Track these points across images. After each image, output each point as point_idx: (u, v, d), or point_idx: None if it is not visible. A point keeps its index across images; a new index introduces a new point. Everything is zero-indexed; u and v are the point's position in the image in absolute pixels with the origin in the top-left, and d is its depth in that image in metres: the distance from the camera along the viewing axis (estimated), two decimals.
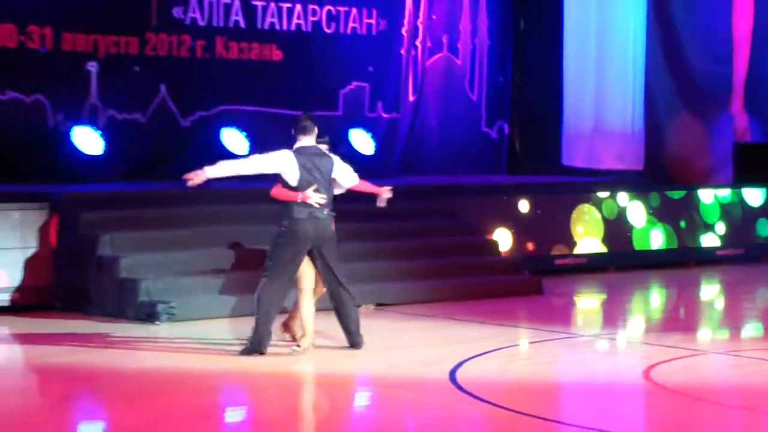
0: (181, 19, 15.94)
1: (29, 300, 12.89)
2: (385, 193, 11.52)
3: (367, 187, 11.60)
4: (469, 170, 18.26)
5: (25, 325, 12.29)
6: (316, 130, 10.88)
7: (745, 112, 19.73)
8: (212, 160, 15.90)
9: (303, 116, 11.11)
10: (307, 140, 10.73)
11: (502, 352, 11.32)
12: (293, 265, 10.54)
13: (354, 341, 10.78)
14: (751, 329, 13.79)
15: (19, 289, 12.87)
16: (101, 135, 15.31)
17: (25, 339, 11.87)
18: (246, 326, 10.94)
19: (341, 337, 10.84)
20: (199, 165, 15.81)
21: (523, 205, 16.29)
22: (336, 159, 11.02)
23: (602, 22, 18.27)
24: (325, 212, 10.73)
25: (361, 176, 16.79)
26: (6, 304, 12.76)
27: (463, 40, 18.40)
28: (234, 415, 9.19)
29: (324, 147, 10.96)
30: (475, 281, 14.51)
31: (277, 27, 16.70)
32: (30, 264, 12.96)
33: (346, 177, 11.12)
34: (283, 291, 10.65)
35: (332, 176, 10.87)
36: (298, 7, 16.83)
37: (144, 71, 15.70)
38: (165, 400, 9.13)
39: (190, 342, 11.38)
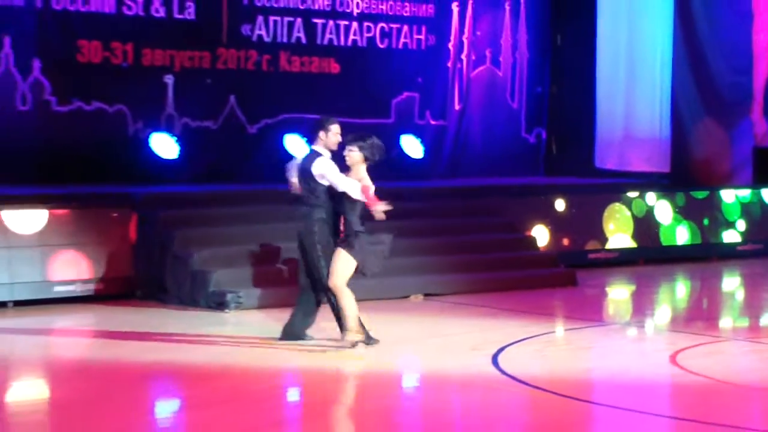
0: (249, 36, 16.00)
1: (112, 290, 12.99)
2: (378, 209, 10.32)
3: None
4: (510, 172, 18.23)
5: (109, 314, 12.40)
6: (320, 133, 10.37)
7: (764, 118, 19.65)
8: (276, 165, 16.19)
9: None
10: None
11: (539, 338, 11.35)
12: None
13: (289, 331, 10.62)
14: None
15: (102, 280, 12.96)
16: (176, 141, 15.42)
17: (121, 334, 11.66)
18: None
19: (383, 329, 10.74)
20: (265, 168, 16.13)
21: (559, 204, 16.32)
22: (318, 159, 10.26)
23: (632, 37, 18.22)
24: (304, 208, 10.34)
25: (411, 178, 17.03)
26: (91, 293, 12.87)
27: (505, 53, 18.38)
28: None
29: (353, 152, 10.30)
30: (515, 274, 14.53)
31: (335, 42, 16.73)
32: (112, 258, 13.05)
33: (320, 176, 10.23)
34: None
35: (312, 173, 10.23)
36: (354, 24, 16.84)
37: (215, 83, 15.81)
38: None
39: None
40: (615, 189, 17.17)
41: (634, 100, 18.31)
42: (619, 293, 15.20)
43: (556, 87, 18.82)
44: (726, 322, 13.51)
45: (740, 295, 15.84)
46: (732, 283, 16.30)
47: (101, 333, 11.79)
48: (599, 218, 16.68)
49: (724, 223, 17.92)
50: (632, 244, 16.95)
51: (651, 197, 17.15)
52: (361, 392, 9.48)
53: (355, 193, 10.08)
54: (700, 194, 17.76)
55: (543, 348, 11.10)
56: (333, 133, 10.37)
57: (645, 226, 17.04)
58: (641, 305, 14.51)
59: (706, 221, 17.70)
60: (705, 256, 17.42)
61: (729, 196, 18.02)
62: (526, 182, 17.76)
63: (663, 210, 17.22)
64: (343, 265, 10.11)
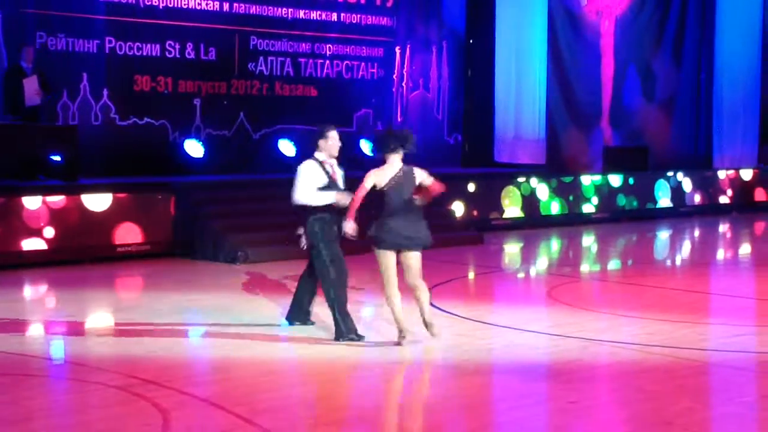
0: (253, 70, 15.94)
1: (158, 249, 12.98)
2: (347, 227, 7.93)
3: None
4: (437, 165, 18.17)
5: (156, 267, 12.38)
6: (320, 142, 8.35)
7: (610, 126, 19.85)
8: (273, 160, 16.28)
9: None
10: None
11: (458, 280, 11.47)
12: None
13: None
14: (613, 263, 13.95)
15: (150, 243, 12.97)
16: (202, 145, 15.31)
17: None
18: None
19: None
20: (265, 163, 16.23)
21: (471, 186, 16.37)
22: (303, 163, 8.33)
23: (519, 69, 18.25)
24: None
25: (368, 170, 17.02)
26: (143, 252, 12.85)
27: (433, 82, 18.41)
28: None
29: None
30: (441, 236, 14.44)
31: (314, 75, 16.68)
32: (157, 227, 13.05)
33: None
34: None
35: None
36: (327, 62, 16.86)
37: (229, 104, 15.71)
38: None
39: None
40: (509, 176, 17.22)
41: (521, 113, 18.38)
42: (512, 249, 15.31)
43: (468, 104, 18.85)
44: (585, 267, 13.64)
45: (594, 248, 15.94)
46: (588, 240, 16.44)
47: (151, 278, 11.75)
48: (498, 196, 16.76)
49: (583, 199, 18.07)
50: (521, 214, 16.98)
51: (534, 181, 17.25)
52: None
53: (304, 200, 8.07)
54: (567, 179, 17.90)
55: (461, 287, 11.16)
56: (331, 140, 8.35)
57: (529, 201, 17.14)
58: (528, 257, 14.62)
59: (571, 198, 17.83)
60: (571, 222, 17.56)
61: (587, 180, 18.17)
62: (448, 171, 17.74)
63: (542, 190, 17.32)
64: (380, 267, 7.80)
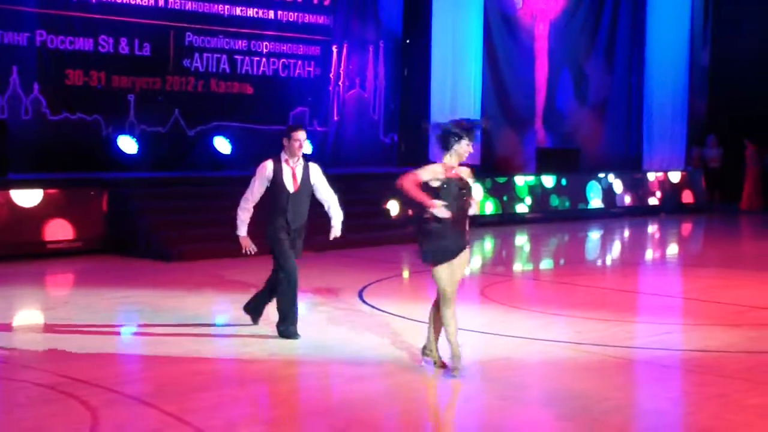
0: (189, 67, 15.80)
1: (90, 246, 12.80)
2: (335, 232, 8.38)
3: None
4: (373, 164, 18.36)
5: (88, 263, 12.19)
6: (283, 140, 7.95)
7: (543, 128, 20.07)
8: (208, 158, 16.17)
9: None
10: None
11: (392, 278, 11.47)
12: None
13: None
14: (545, 263, 14.08)
15: (83, 239, 12.79)
16: (136, 141, 15.10)
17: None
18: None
19: None
20: (199, 161, 16.10)
21: None
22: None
23: (455, 71, 18.36)
24: None
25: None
26: (78, 246, 12.71)
27: (369, 81, 18.42)
28: None
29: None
30: (376, 234, 14.63)
31: (251, 72, 16.60)
32: (89, 223, 12.86)
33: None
34: None
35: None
36: (264, 59, 16.78)
37: (164, 100, 15.52)
38: None
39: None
40: None
41: (456, 113, 18.28)
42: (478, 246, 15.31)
43: (404, 104, 18.89)
44: (518, 266, 13.74)
45: (527, 248, 16.07)
46: (521, 240, 16.58)
47: (82, 275, 11.53)
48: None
49: (517, 199, 18.22)
50: (494, 211, 17.09)
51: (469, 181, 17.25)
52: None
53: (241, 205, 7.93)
54: (501, 179, 18.04)
55: (396, 284, 11.16)
56: (293, 140, 7.86)
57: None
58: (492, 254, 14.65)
59: (505, 198, 17.98)
60: (504, 222, 17.70)
61: (520, 180, 18.33)
62: (384, 171, 17.82)
63: (477, 190, 17.32)
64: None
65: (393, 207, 15.95)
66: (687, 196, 21.49)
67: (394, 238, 14.65)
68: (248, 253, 8.01)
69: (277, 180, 7.86)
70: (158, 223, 12.91)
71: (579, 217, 18.94)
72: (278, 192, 7.87)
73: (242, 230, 8.02)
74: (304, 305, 9.95)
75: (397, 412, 6.11)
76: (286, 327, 7.86)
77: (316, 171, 8.11)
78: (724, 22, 22.83)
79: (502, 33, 19.09)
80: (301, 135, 7.94)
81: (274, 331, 7.98)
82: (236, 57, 16.39)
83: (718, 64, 22.78)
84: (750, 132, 21.83)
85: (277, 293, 7.91)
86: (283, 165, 7.90)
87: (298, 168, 7.96)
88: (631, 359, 7.48)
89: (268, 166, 7.91)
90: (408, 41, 18.87)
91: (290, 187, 7.92)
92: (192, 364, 7.04)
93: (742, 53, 22.63)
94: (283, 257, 7.86)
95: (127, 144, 15.02)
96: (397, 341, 7.90)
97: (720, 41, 22.81)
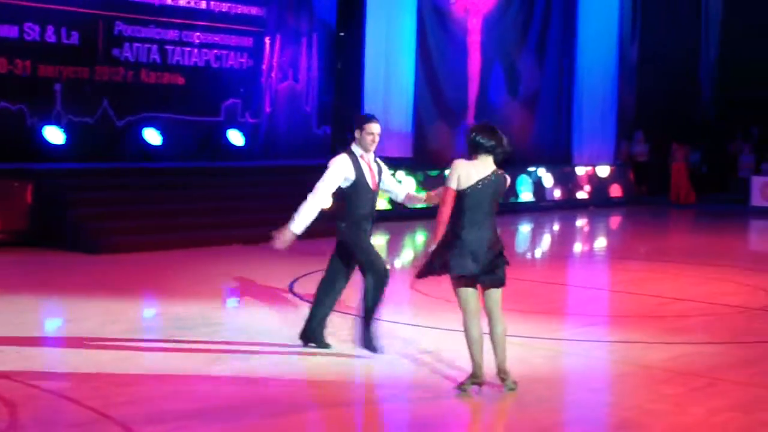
0: (118, 56, 15.50)
1: (14, 239, 12.49)
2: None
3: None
4: (306, 156, 18.25)
5: (15, 257, 11.87)
6: (355, 132, 7.21)
7: (475, 121, 20.13)
8: (137, 149, 15.91)
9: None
10: None
11: (319, 272, 11.40)
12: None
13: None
14: None
15: (7, 231, 12.50)
16: (63, 131, 14.78)
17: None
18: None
19: (214, 269, 10.52)
20: (128, 151, 15.86)
21: None
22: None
23: (388, 63, 18.36)
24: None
25: (235, 160, 16.94)
26: (2, 239, 12.40)
27: (302, 73, 18.31)
28: None
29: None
30: (308, 227, 14.53)
31: (182, 63, 16.36)
32: (13, 215, 12.59)
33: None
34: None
35: None
36: (196, 50, 16.57)
37: (92, 90, 15.19)
38: None
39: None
40: None
41: (389, 106, 18.49)
42: (378, 241, 15.29)
43: (337, 97, 18.83)
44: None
45: None
46: None
47: (4, 268, 11.28)
48: None
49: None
50: (388, 207, 16.74)
51: (401, 174, 17.30)
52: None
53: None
54: (434, 172, 18.06)
55: (308, 277, 11.08)
56: (366, 133, 7.08)
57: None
58: (393, 249, 14.70)
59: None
60: (435, 215, 17.67)
61: None
62: (317, 163, 17.65)
63: (408, 183, 17.36)
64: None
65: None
66: (615, 190, 21.83)
67: (325, 231, 14.57)
68: (275, 246, 7.15)
69: (358, 178, 7.06)
70: (86, 215, 12.68)
71: (509, 210, 19.05)
72: (360, 191, 7.08)
73: (298, 228, 7.23)
74: (234, 298, 9.92)
75: (324, 405, 6.08)
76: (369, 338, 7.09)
77: (383, 165, 7.37)
78: (651, 18, 23.21)
79: (435, 26, 19.15)
80: (375, 128, 7.08)
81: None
82: (167, 47, 16.15)
83: (646, 60, 23.15)
84: (675, 128, 22.26)
85: (369, 295, 7.09)
86: (360, 161, 7.09)
87: (374, 164, 7.19)
88: (557, 351, 7.56)
89: (346, 162, 7.04)
90: (342, 33, 18.81)
91: (371, 184, 7.12)
92: (114, 360, 6.92)
93: (669, 50, 23.04)
94: (377, 257, 7.13)
95: (54, 134, 14.71)
96: (328, 334, 7.86)
97: (648, 38, 23.18)
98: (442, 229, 6.30)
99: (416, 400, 6.15)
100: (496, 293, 6.24)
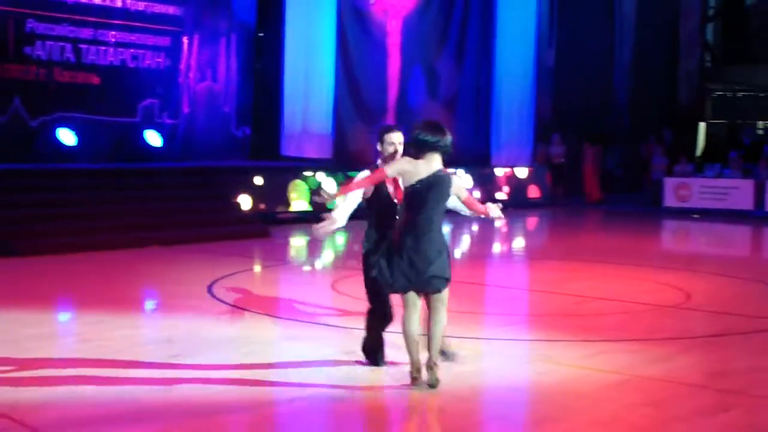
0: (30, 54, 15.20)
1: None
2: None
3: None
4: (225, 157, 18.13)
5: None
6: (377, 145, 6.71)
7: (395, 122, 20.20)
8: (51, 149, 15.55)
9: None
10: None
11: (243, 273, 11.33)
12: None
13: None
14: None
15: None
16: None
17: None
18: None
19: (131, 269, 10.39)
20: (42, 152, 15.47)
21: (258, 180, 16.28)
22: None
23: (308, 65, 18.37)
24: None
25: (153, 161, 16.70)
26: None
27: (220, 73, 18.15)
28: None
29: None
30: (226, 229, 14.45)
31: (97, 62, 16.12)
32: None
33: None
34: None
35: None
36: (111, 49, 16.31)
37: (3, 88, 14.85)
38: None
39: None
40: (296, 169, 17.25)
41: (309, 108, 18.48)
42: (298, 242, 15.33)
43: (256, 97, 18.73)
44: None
45: None
46: None
47: None
48: (285, 189, 16.74)
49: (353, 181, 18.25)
50: (308, 208, 16.98)
51: (321, 175, 17.31)
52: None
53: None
54: (354, 173, 17.88)
55: (246, 279, 11.02)
56: (387, 144, 6.57)
57: (317, 195, 17.12)
58: (313, 250, 14.65)
59: None
60: (356, 216, 17.70)
61: None
62: (236, 164, 17.68)
63: (329, 184, 17.39)
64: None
65: (244, 201, 15.79)
66: (533, 191, 22.13)
67: (245, 232, 14.50)
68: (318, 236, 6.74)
69: (380, 191, 6.58)
70: (1, 216, 12.32)
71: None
72: (385, 204, 6.62)
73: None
74: (152, 301, 9.76)
75: (240, 408, 6.02)
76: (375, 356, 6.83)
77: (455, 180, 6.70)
78: (568, 23, 23.61)
79: (354, 28, 19.16)
80: (395, 137, 6.54)
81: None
82: (81, 46, 15.86)
83: (563, 64, 23.54)
84: (591, 130, 22.68)
85: (373, 325, 6.75)
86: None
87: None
88: (477, 350, 7.61)
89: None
90: (261, 34, 18.70)
91: (393, 197, 6.59)
92: (22, 363, 6.74)
93: (585, 53, 23.47)
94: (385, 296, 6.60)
95: None
96: (250, 336, 7.81)
97: (564, 42, 23.57)
98: (345, 190, 6.34)
99: (337, 399, 6.13)
100: (437, 294, 6.17)
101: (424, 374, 6.16)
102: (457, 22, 21.36)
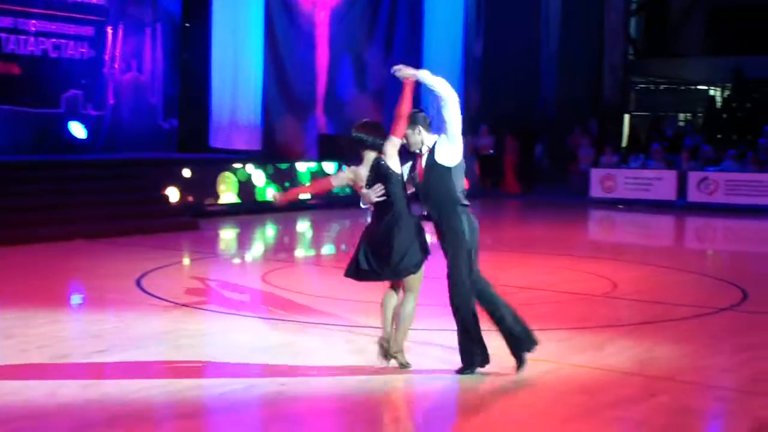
0: None
1: None
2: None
3: None
4: (152, 149, 17.87)
5: None
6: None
7: (324, 115, 20.21)
8: None
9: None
10: None
11: (172, 266, 11.19)
12: None
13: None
14: (327, 248, 14.16)
15: None
16: None
17: None
18: None
19: (62, 265, 10.18)
20: None
21: (186, 172, 16.07)
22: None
23: (236, 56, 18.23)
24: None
25: (78, 152, 16.37)
26: None
27: (146, 64, 17.88)
28: None
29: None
30: (155, 222, 14.24)
31: (17, 52, 15.75)
32: None
33: None
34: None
35: None
36: (32, 38, 15.95)
37: None
38: None
39: None
40: (225, 161, 17.09)
41: (237, 99, 18.34)
42: (228, 234, 15.17)
43: (184, 89, 18.51)
44: (300, 252, 13.75)
45: (309, 234, 16.12)
46: (303, 226, 16.62)
47: None
48: (214, 181, 16.57)
49: (299, 185, 18.18)
50: (237, 200, 16.86)
51: (250, 167, 17.18)
52: None
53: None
54: (283, 165, 17.99)
55: (175, 272, 10.87)
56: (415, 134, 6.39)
57: (246, 187, 17.07)
58: (244, 242, 14.55)
59: (287, 184, 17.90)
60: (286, 208, 17.63)
61: (302, 167, 18.34)
62: (163, 156, 17.44)
63: (258, 176, 17.30)
64: None
65: (172, 193, 15.58)
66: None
67: (173, 225, 14.31)
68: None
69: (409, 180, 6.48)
70: None
71: (360, 203, 19.17)
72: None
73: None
74: (78, 295, 9.56)
75: (172, 401, 5.93)
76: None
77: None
78: (495, 15, 23.77)
79: (282, 19, 19.04)
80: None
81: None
82: (1, 35, 15.44)
83: (491, 55, 23.70)
84: (516, 121, 22.88)
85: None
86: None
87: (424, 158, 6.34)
88: (407, 340, 7.61)
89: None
90: (187, 24, 18.45)
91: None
92: None
93: (512, 45, 23.66)
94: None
95: None
96: (180, 329, 7.70)
97: (492, 34, 23.73)
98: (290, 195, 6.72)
99: (270, 390, 6.08)
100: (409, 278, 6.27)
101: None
102: (386, 14, 21.37)
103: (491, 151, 22.80)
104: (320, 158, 18.93)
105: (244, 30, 18.17)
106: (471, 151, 22.88)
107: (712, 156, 20.64)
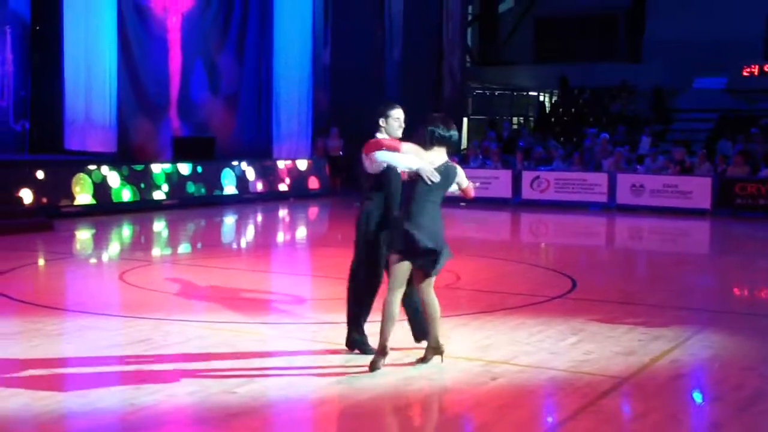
0: None
1: None
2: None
3: None
4: (3, 151, 17.17)
5: None
6: (380, 120, 6.84)
7: (178, 117, 19.87)
8: None
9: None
10: None
11: (27, 267, 10.74)
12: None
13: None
14: (183, 247, 13.91)
15: None
16: None
17: None
18: None
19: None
20: None
21: (40, 174, 15.50)
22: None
23: (88, 58, 17.72)
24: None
25: None
26: None
27: None
28: None
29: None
30: (8, 223, 13.70)
31: None
32: None
33: None
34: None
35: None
36: None
37: None
38: None
39: None
40: (80, 163, 16.61)
41: (91, 101, 17.80)
42: (84, 235, 14.70)
43: (35, 91, 17.82)
44: (156, 251, 13.47)
45: (165, 233, 15.81)
46: (159, 226, 16.29)
47: None
48: (69, 183, 16.05)
49: (154, 187, 17.87)
50: (93, 201, 16.43)
51: (105, 169, 16.76)
52: None
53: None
54: (138, 167, 17.61)
55: (30, 273, 10.42)
56: (393, 119, 6.76)
57: (101, 188, 16.63)
58: (100, 243, 14.14)
59: (142, 185, 17.56)
60: (142, 209, 17.33)
61: (157, 168, 18.01)
62: (16, 158, 16.75)
63: (113, 178, 16.88)
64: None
65: (26, 195, 14.98)
66: (313, 183, 22.31)
67: (27, 226, 13.77)
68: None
69: (393, 172, 6.54)
70: None
71: (215, 202, 19.01)
72: (395, 185, 6.59)
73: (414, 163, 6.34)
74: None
75: (37, 399, 5.70)
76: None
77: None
78: (341, 23, 23.93)
79: (135, 23, 18.60)
80: (400, 113, 6.77)
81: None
82: None
83: (339, 61, 23.85)
84: (367, 124, 23.07)
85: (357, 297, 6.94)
86: None
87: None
88: (264, 334, 7.59)
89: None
90: (38, 27, 17.75)
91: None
92: None
93: (358, 51, 23.87)
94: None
95: None
96: (30, 330, 7.40)
97: (339, 41, 23.88)
98: (388, 144, 6.47)
99: (129, 394, 5.94)
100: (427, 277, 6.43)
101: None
102: (237, 20, 21.19)
103: (341, 153, 22.94)
104: (175, 160, 18.59)
105: (97, 33, 17.64)
106: (322, 153, 22.99)
107: (544, 156, 21.42)
